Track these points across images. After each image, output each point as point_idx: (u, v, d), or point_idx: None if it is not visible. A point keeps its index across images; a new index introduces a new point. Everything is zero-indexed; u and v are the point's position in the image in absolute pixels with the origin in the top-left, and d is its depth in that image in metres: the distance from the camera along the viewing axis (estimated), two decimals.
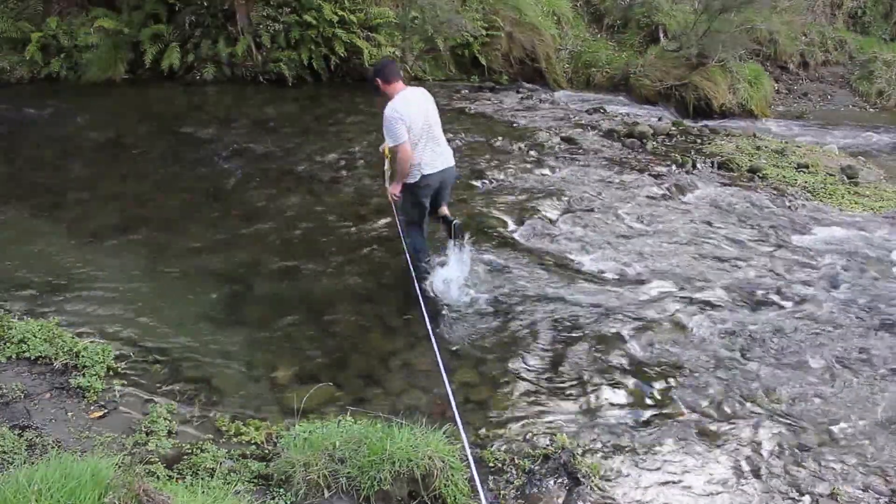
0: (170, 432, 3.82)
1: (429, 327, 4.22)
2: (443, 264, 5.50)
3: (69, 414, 3.83)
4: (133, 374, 4.32)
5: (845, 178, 8.36)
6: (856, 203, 7.66)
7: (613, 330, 5.12)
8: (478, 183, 7.50)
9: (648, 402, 4.41)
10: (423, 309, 4.45)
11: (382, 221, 6.59)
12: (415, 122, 5.04)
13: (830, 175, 8.42)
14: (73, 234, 6.22)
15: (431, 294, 5.29)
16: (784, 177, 8.23)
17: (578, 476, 3.65)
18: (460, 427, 3.35)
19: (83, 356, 4.22)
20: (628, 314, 5.32)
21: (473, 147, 8.52)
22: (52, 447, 3.45)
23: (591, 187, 7.55)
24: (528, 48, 12.01)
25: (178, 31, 10.87)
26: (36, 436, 3.57)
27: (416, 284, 4.81)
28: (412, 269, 5.05)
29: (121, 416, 3.93)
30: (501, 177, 7.68)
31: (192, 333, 4.86)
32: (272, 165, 7.84)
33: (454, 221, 5.51)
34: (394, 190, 5.29)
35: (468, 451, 3.23)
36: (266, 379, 4.45)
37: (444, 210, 5.55)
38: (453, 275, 5.47)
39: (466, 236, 5.86)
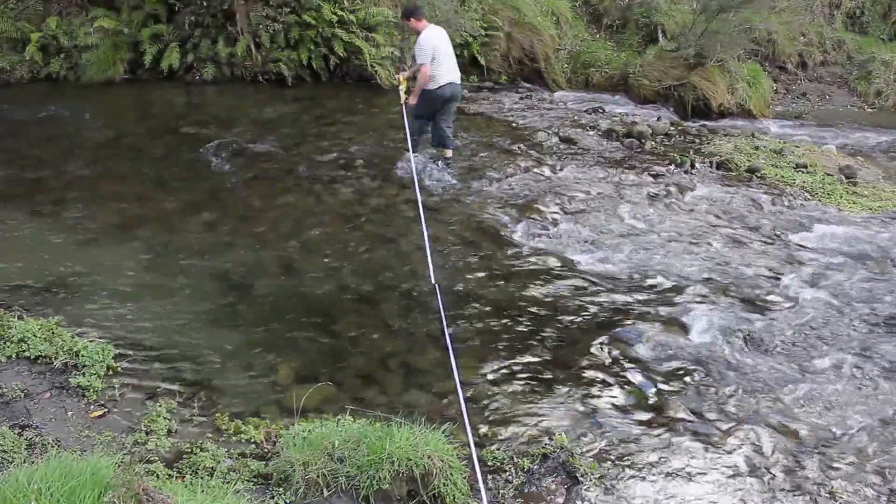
0: (169, 431, 3.83)
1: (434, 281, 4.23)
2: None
3: (69, 413, 3.84)
4: (133, 374, 4.34)
5: (843, 177, 8.36)
6: (854, 203, 7.67)
7: (613, 329, 5.13)
8: (477, 183, 7.51)
9: (648, 401, 4.43)
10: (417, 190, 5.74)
11: (382, 221, 6.60)
12: (439, 48, 7.24)
13: (829, 175, 8.42)
14: (73, 233, 6.23)
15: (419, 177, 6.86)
16: (783, 176, 8.24)
17: (577, 475, 3.66)
18: (466, 421, 3.36)
19: (83, 355, 4.23)
20: (627, 314, 5.34)
21: (472, 147, 8.52)
22: (52, 446, 3.46)
23: (589, 187, 7.56)
24: (527, 48, 12.00)
25: (178, 31, 10.85)
26: (36, 435, 3.58)
27: (415, 178, 6.34)
28: (412, 160, 6.95)
29: (120, 415, 3.94)
30: (500, 176, 7.69)
31: (192, 333, 4.87)
32: (272, 165, 7.84)
33: (450, 158, 7.74)
34: (411, 100, 7.45)
35: (473, 448, 3.24)
36: (265, 378, 4.46)
37: (452, 138, 7.76)
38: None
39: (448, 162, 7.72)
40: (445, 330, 4.16)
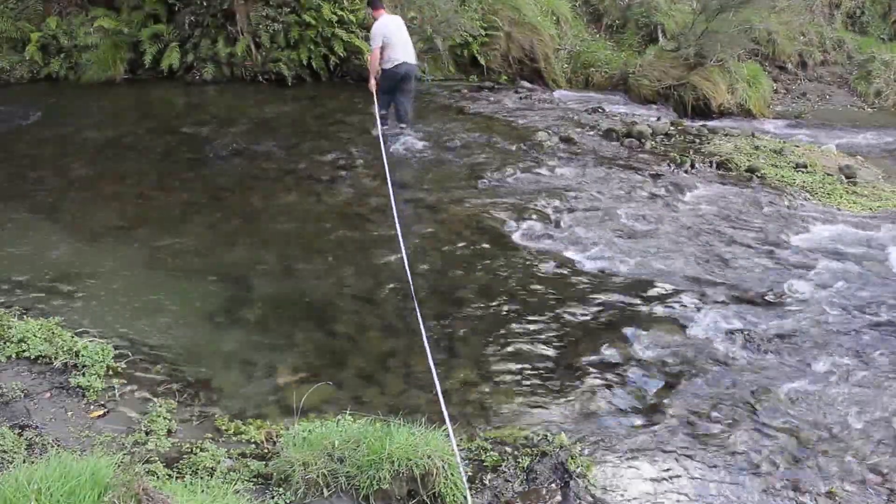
0: (169, 431, 3.83)
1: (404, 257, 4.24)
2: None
3: (69, 413, 3.84)
4: (133, 374, 4.33)
5: (843, 177, 8.36)
6: (854, 202, 7.67)
7: (613, 329, 5.14)
8: (476, 182, 7.51)
9: (647, 401, 4.43)
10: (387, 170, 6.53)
11: (382, 220, 6.61)
12: (392, 35, 8.33)
13: (829, 175, 8.41)
14: (73, 233, 6.23)
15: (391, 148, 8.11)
16: (782, 176, 8.24)
17: (576, 474, 3.67)
18: (447, 420, 3.36)
19: (83, 355, 4.23)
20: (627, 314, 5.34)
21: (472, 146, 8.53)
22: (52, 446, 3.46)
23: (589, 187, 7.56)
24: (527, 48, 12.01)
25: (178, 31, 10.86)
26: (35, 435, 3.58)
27: (382, 147, 7.39)
28: (378, 126, 8.16)
29: (120, 415, 3.94)
30: (500, 176, 7.69)
31: (192, 333, 4.88)
32: (272, 165, 7.85)
33: (407, 125, 8.80)
34: (371, 84, 8.56)
35: (454, 445, 3.24)
36: (266, 378, 4.47)
37: (409, 116, 8.84)
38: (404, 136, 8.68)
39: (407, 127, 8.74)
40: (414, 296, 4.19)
